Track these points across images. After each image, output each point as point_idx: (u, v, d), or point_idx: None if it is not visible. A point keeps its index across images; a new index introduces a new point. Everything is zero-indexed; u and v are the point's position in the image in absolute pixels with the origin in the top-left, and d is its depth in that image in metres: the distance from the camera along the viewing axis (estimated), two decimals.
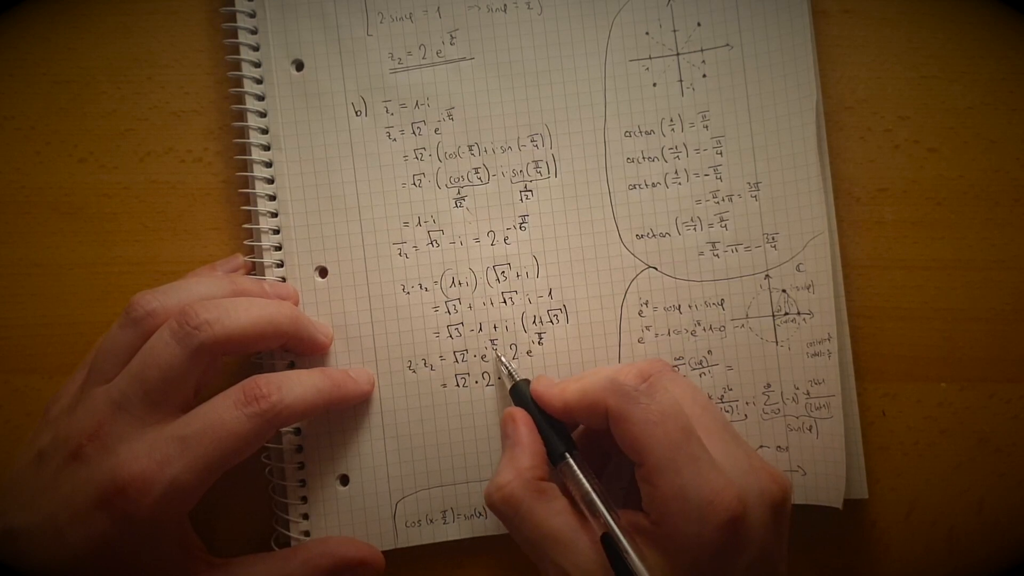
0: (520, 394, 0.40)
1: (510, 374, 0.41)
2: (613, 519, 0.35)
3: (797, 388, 0.42)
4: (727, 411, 0.43)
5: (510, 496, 0.37)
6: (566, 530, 0.36)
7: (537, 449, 0.38)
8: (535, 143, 0.43)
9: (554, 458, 0.38)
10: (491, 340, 0.42)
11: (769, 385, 0.42)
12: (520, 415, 0.39)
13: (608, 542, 0.35)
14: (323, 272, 0.42)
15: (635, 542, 0.35)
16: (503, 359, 0.42)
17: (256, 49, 0.43)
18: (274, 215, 0.42)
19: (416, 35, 0.43)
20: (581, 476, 0.37)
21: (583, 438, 0.41)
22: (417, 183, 0.43)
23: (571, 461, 0.37)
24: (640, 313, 0.43)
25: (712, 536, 0.34)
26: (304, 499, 0.42)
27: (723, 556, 0.34)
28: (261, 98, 0.43)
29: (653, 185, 0.43)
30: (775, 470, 0.37)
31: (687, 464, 0.34)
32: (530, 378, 0.41)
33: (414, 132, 0.43)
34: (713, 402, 0.40)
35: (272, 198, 0.42)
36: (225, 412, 0.36)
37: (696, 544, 0.34)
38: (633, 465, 0.36)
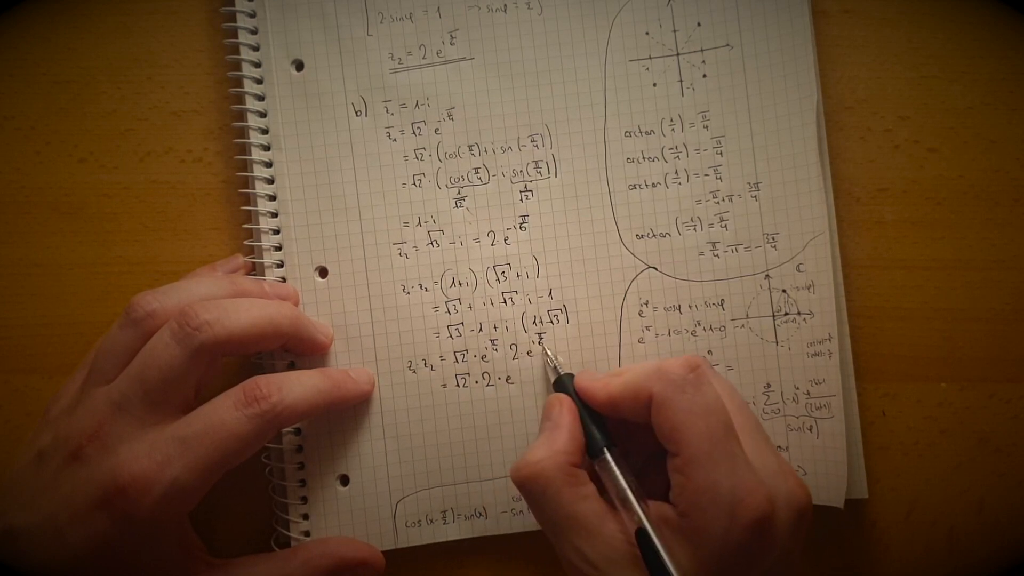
0: (563, 387, 0.40)
1: (555, 368, 0.41)
2: (647, 518, 0.35)
3: (797, 388, 0.42)
4: None
5: (539, 474, 0.36)
6: (591, 516, 0.36)
7: (576, 436, 0.38)
8: (535, 143, 0.43)
9: (593, 451, 0.38)
10: (491, 340, 0.42)
11: (769, 385, 0.42)
12: (568, 402, 0.39)
13: (643, 538, 0.35)
14: (323, 272, 0.42)
15: (666, 541, 0.35)
16: (548, 351, 0.42)
17: (256, 49, 0.43)
18: (274, 215, 0.42)
19: (416, 35, 0.43)
20: (618, 473, 0.37)
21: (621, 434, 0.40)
22: (417, 183, 0.43)
23: (609, 457, 0.37)
24: (640, 313, 0.43)
25: (740, 534, 0.34)
26: (304, 499, 0.42)
27: (747, 555, 0.34)
28: (261, 98, 0.43)
29: (653, 185, 0.43)
30: (799, 477, 0.37)
31: (724, 460, 0.34)
32: (573, 373, 0.41)
33: (414, 132, 0.43)
34: (747, 403, 0.40)
35: (272, 198, 0.42)
36: (225, 413, 0.36)
37: (722, 540, 0.34)
38: (667, 456, 0.36)
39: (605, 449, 0.38)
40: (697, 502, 0.34)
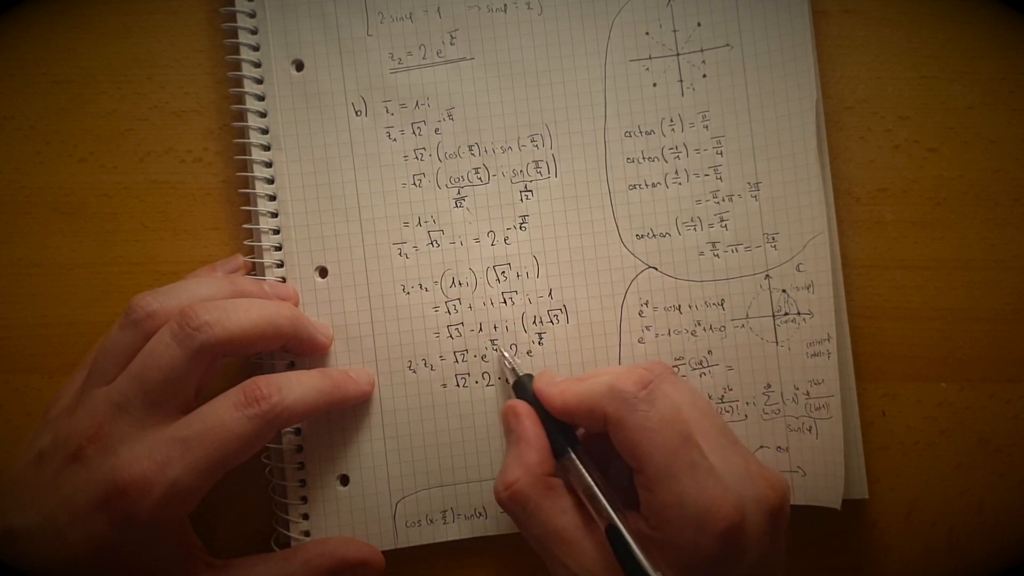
0: (523, 390, 0.40)
1: (513, 369, 0.41)
2: (616, 513, 0.35)
3: (797, 388, 0.42)
4: (727, 411, 0.43)
5: (518, 493, 0.37)
6: (571, 529, 0.36)
7: (542, 444, 0.38)
8: (535, 143, 0.43)
9: (557, 453, 0.38)
10: (491, 340, 0.42)
11: (769, 385, 0.42)
12: (523, 408, 0.39)
13: (613, 535, 0.35)
14: (323, 272, 0.42)
15: (638, 535, 0.35)
16: (506, 354, 0.42)
17: (256, 49, 0.43)
18: (274, 215, 0.42)
19: (416, 35, 0.43)
20: (583, 471, 0.37)
21: (586, 438, 0.41)
22: (417, 183, 0.43)
23: (573, 456, 0.38)
24: (640, 313, 0.43)
25: (710, 544, 0.34)
26: (304, 499, 0.42)
27: (720, 564, 0.34)
28: (261, 98, 0.43)
29: (653, 185, 0.43)
30: (773, 475, 0.37)
31: (685, 471, 0.34)
32: (533, 373, 0.41)
33: (414, 132, 0.43)
34: (713, 406, 0.40)
35: (272, 198, 0.42)
36: (226, 413, 0.36)
37: (694, 552, 0.34)
38: (632, 471, 0.36)
39: (569, 450, 0.38)
40: (664, 516, 0.35)
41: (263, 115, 0.42)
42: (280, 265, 0.42)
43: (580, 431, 0.40)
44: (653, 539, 0.35)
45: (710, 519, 0.34)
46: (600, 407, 0.36)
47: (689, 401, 0.37)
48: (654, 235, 0.43)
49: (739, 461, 0.37)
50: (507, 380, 0.42)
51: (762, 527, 0.35)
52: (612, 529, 0.35)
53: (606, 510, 0.36)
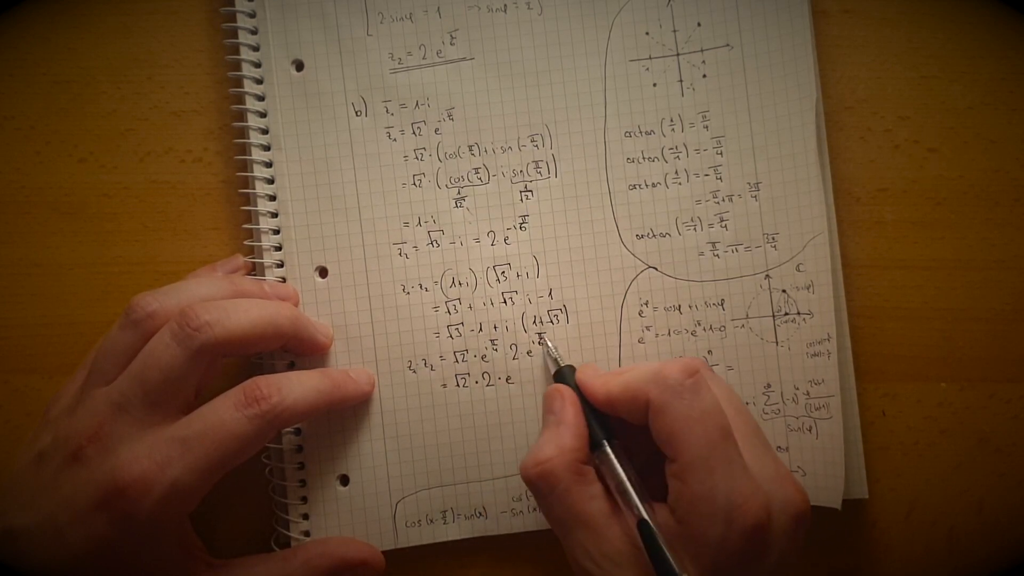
0: (564, 380, 0.40)
1: (556, 359, 0.41)
2: (647, 510, 0.35)
3: (797, 388, 0.42)
4: None
5: (549, 473, 0.37)
6: (599, 516, 0.36)
7: (581, 432, 0.38)
8: (535, 143, 0.43)
9: (593, 444, 0.38)
10: (491, 340, 0.42)
11: (769, 385, 0.42)
12: (569, 394, 0.39)
13: (644, 529, 0.35)
14: (323, 272, 0.42)
15: (665, 530, 0.35)
16: (549, 344, 0.42)
17: (256, 49, 0.43)
18: (274, 215, 0.42)
19: (416, 35, 0.43)
20: (618, 465, 0.37)
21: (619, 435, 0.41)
22: (417, 183, 0.43)
23: (608, 449, 0.38)
24: (640, 313, 0.43)
25: (736, 540, 0.34)
26: (304, 499, 0.42)
27: (744, 561, 0.34)
28: (261, 98, 0.43)
29: (653, 185, 0.43)
30: (797, 481, 0.37)
31: (721, 466, 0.34)
32: (575, 365, 0.41)
33: (414, 132, 0.43)
34: (747, 407, 0.40)
35: (272, 198, 0.42)
36: (226, 413, 0.36)
37: (719, 546, 0.34)
38: (666, 461, 0.36)
39: (605, 442, 0.38)
40: (694, 508, 0.35)
41: (263, 115, 0.42)
42: (280, 265, 0.42)
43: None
44: (679, 533, 0.35)
45: (739, 515, 0.34)
46: (644, 392, 0.36)
47: (726, 398, 0.38)
48: (654, 235, 0.43)
49: (769, 462, 0.37)
50: (548, 370, 0.42)
51: (787, 530, 0.35)
52: (643, 523, 0.35)
53: (637, 506, 0.36)
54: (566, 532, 0.37)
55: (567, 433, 0.38)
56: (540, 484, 0.37)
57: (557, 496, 0.37)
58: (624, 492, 0.36)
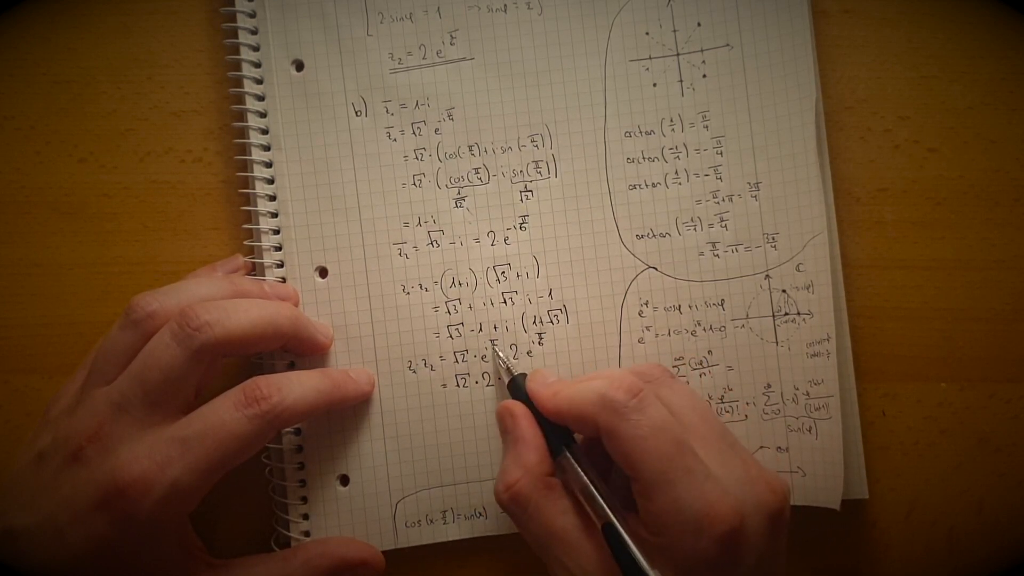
0: (518, 389, 0.40)
1: (508, 368, 0.41)
2: (613, 512, 0.35)
3: (797, 388, 0.42)
4: (727, 412, 0.43)
5: (518, 495, 0.37)
6: (571, 529, 0.36)
7: (540, 444, 0.38)
8: (535, 143, 0.43)
9: (553, 452, 0.38)
10: (491, 340, 0.42)
11: (769, 385, 0.42)
12: (519, 409, 0.39)
13: (609, 532, 0.35)
14: (323, 272, 0.42)
15: (637, 539, 0.35)
16: (500, 353, 0.42)
17: (256, 49, 0.43)
18: (274, 215, 0.42)
19: (416, 35, 0.43)
20: (579, 470, 0.37)
21: (587, 441, 0.40)
22: (417, 183, 0.43)
23: (568, 455, 0.38)
24: (640, 313, 0.43)
25: (709, 549, 0.34)
26: (304, 499, 0.42)
27: (720, 568, 0.34)
28: (261, 98, 0.43)
29: (653, 185, 0.43)
30: (773, 477, 0.37)
31: (681, 477, 0.34)
32: (527, 373, 0.41)
33: (414, 132, 0.43)
34: (712, 409, 0.40)
35: (272, 198, 0.42)
36: (226, 413, 0.36)
37: (693, 557, 0.34)
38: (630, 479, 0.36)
39: (563, 448, 0.38)
40: (663, 523, 0.35)
41: (263, 115, 0.42)
42: (280, 265, 0.42)
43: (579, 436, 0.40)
44: (653, 544, 0.35)
45: (708, 524, 0.34)
46: (591, 416, 0.36)
47: (688, 404, 0.37)
48: (654, 235, 0.43)
49: (738, 464, 0.37)
50: (502, 379, 0.42)
51: (762, 530, 0.35)
52: (608, 527, 0.35)
53: (602, 508, 0.36)
54: (544, 550, 0.37)
55: (526, 450, 0.38)
56: (513, 507, 0.37)
57: (529, 515, 0.37)
58: (589, 496, 0.36)
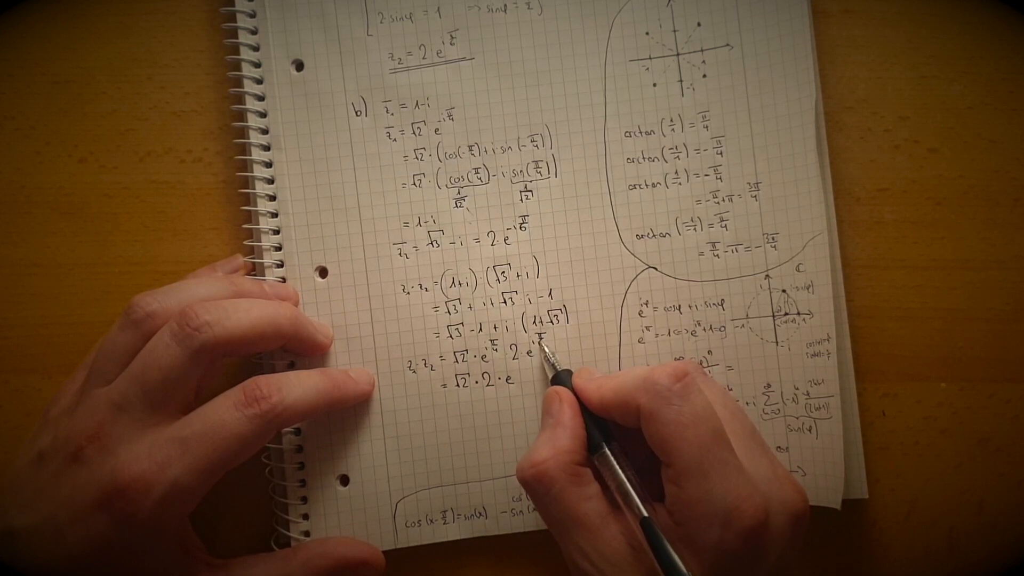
0: (562, 384, 0.40)
1: (553, 364, 0.41)
2: (648, 509, 0.36)
3: (797, 388, 0.42)
4: None
5: (544, 474, 0.37)
6: (595, 517, 0.36)
7: (578, 434, 0.38)
8: (535, 143, 0.43)
9: (592, 447, 0.38)
10: (491, 340, 0.42)
11: (769, 385, 0.42)
12: (568, 396, 0.39)
13: (647, 527, 0.35)
14: (323, 272, 0.42)
15: (665, 530, 0.35)
16: (546, 348, 0.42)
17: (256, 49, 0.43)
18: (274, 215, 0.42)
19: (416, 35, 0.43)
20: (617, 467, 0.37)
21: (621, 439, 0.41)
22: (417, 183, 0.43)
23: (608, 452, 0.38)
24: (640, 313, 0.43)
25: (734, 542, 0.34)
26: (304, 499, 0.42)
27: (742, 562, 0.34)
28: (261, 98, 0.43)
29: (653, 185, 0.43)
30: (796, 479, 0.37)
31: (715, 468, 0.34)
32: (572, 369, 0.41)
33: (414, 132, 0.43)
34: (742, 408, 0.40)
35: (272, 198, 0.42)
36: (225, 413, 0.36)
37: (717, 548, 0.34)
38: (661, 465, 0.36)
39: (604, 444, 0.38)
40: (691, 512, 0.35)
41: (263, 115, 0.42)
42: (280, 265, 0.42)
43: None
44: (678, 535, 0.35)
45: (736, 517, 0.34)
46: (634, 399, 0.36)
47: (720, 400, 0.38)
48: (654, 235, 0.43)
49: (766, 463, 0.37)
50: (547, 373, 0.42)
51: (785, 530, 0.35)
52: (646, 521, 0.35)
53: (638, 505, 0.36)
54: (562, 533, 0.37)
55: (563, 435, 0.38)
56: (535, 485, 0.37)
57: (552, 497, 0.37)
58: (625, 493, 0.36)
